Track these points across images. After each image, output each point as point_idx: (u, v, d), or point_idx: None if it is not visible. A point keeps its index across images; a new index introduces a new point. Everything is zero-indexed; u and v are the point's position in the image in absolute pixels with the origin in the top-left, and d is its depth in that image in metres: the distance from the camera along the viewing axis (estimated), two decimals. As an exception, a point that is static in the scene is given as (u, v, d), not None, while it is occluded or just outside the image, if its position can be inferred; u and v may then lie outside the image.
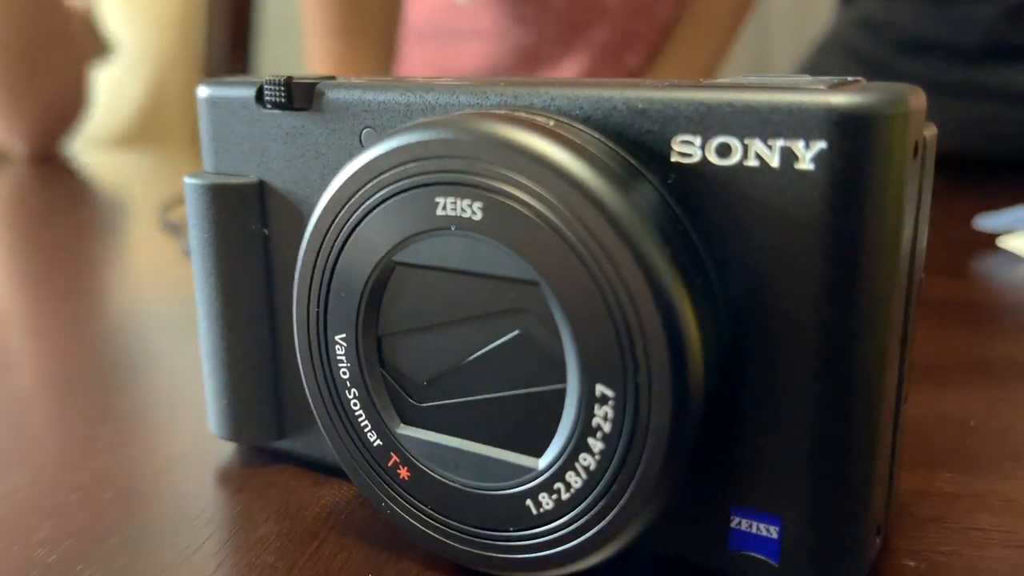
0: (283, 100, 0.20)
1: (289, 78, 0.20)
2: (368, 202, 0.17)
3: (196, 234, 0.22)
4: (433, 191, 0.17)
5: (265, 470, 0.23)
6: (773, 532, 0.17)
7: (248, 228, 0.22)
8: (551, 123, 0.16)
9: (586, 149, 0.16)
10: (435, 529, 0.18)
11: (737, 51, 0.89)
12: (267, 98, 0.21)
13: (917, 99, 0.16)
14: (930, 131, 0.17)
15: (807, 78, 0.17)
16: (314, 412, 0.19)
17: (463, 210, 0.16)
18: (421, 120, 0.17)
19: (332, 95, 0.20)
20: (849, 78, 0.17)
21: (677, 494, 0.16)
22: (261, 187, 0.22)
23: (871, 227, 0.15)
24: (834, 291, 0.16)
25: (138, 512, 0.21)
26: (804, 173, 0.15)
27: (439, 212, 0.17)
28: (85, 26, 0.91)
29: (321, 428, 0.19)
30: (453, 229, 0.17)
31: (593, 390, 0.16)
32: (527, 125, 0.16)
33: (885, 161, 0.15)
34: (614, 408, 0.16)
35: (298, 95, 0.20)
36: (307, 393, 0.19)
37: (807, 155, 0.15)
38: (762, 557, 0.17)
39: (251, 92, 0.21)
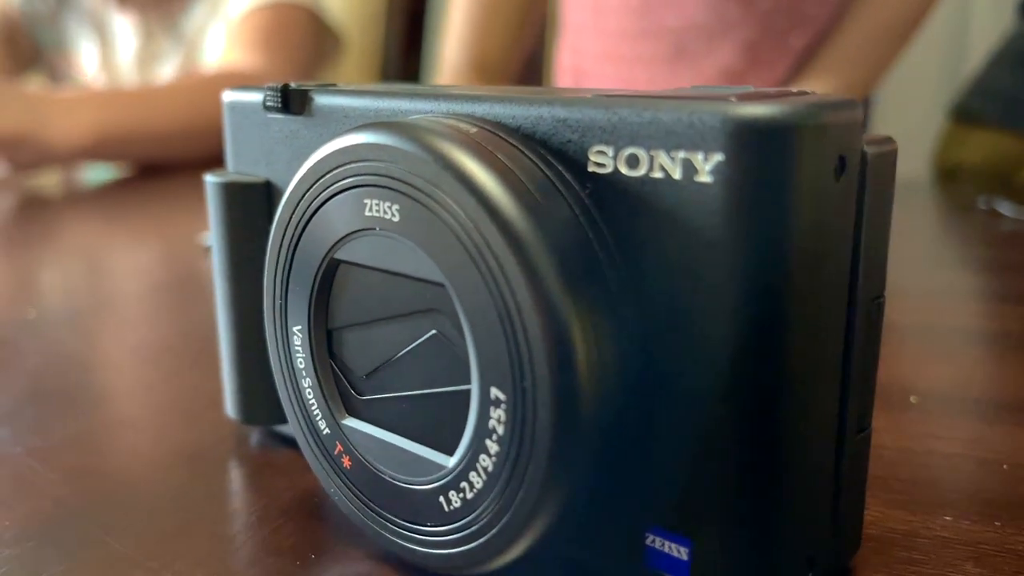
0: (280, 105, 0.22)
1: (286, 85, 0.22)
2: (315, 201, 0.18)
3: (213, 228, 0.24)
4: (362, 192, 0.17)
5: (270, 451, 0.25)
6: (683, 553, 0.17)
7: (257, 224, 0.23)
8: (473, 130, 0.17)
9: (495, 157, 0.16)
10: (371, 518, 0.19)
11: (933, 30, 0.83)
12: (268, 103, 0.22)
13: (845, 113, 0.15)
14: (880, 147, 0.16)
15: (740, 88, 0.16)
16: (281, 398, 0.21)
17: (384, 211, 0.17)
18: (360, 124, 0.18)
19: (321, 101, 0.21)
20: (796, 89, 0.16)
21: (575, 503, 0.16)
22: (268, 187, 0.23)
23: (777, 245, 0.15)
24: (739, 311, 0.15)
25: (151, 475, 0.23)
26: (704, 186, 0.15)
27: (367, 212, 0.17)
28: (314, 23, 0.96)
29: (287, 414, 0.21)
30: (377, 230, 0.17)
31: (489, 393, 0.16)
32: (445, 133, 0.17)
33: (791, 176, 0.15)
34: (506, 412, 0.16)
35: (294, 101, 0.22)
36: (275, 380, 0.21)
37: (706, 167, 0.15)
38: (674, 578, 0.17)
39: (260, 98, 0.23)
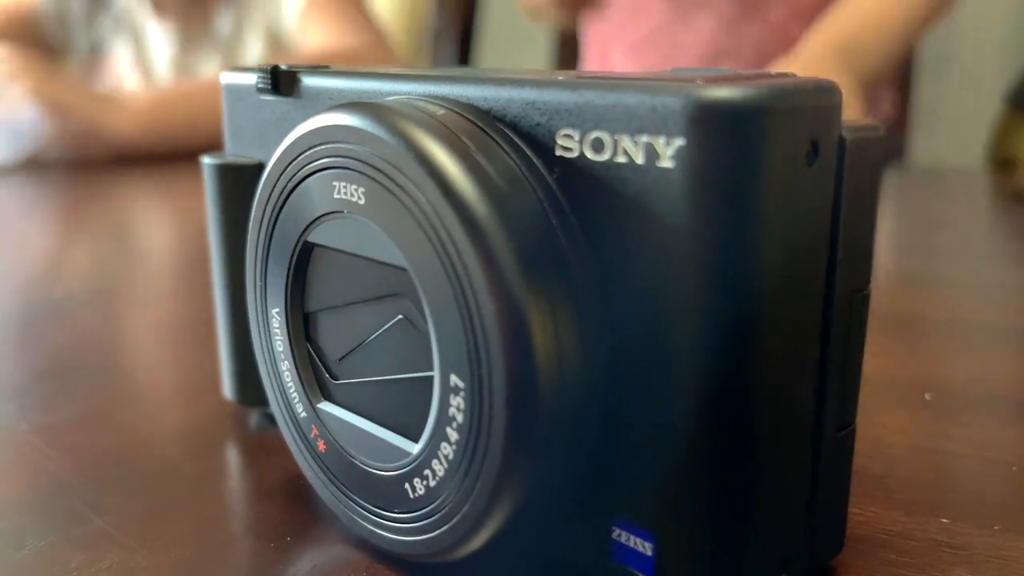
0: (271, 87, 0.22)
1: (276, 67, 0.22)
2: (290, 182, 0.18)
3: (209, 209, 0.24)
4: (331, 175, 0.17)
5: (266, 434, 0.25)
6: (648, 549, 0.16)
7: (250, 206, 0.23)
8: (440, 112, 0.17)
9: (459, 141, 0.16)
10: (343, 503, 0.19)
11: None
12: (259, 85, 0.22)
13: (818, 97, 0.15)
14: (861, 132, 0.16)
15: (718, 71, 0.16)
16: (262, 380, 0.21)
17: (351, 194, 0.17)
18: (331, 106, 0.18)
19: (308, 82, 0.21)
20: (776, 72, 0.16)
21: (538, 494, 0.16)
22: (262, 169, 0.23)
23: (743, 233, 0.14)
24: (704, 302, 0.15)
25: (144, 454, 0.24)
26: (666, 171, 0.14)
27: (335, 195, 0.17)
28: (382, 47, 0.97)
29: (268, 396, 0.21)
30: (345, 212, 0.17)
31: (449, 380, 0.16)
32: (410, 115, 0.16)
33: (756, 161, 0.14)
34: (465, 399, 0.16)
35: (283, 82, 0.22)
36: (257, 362, 0.21)
37: (668, 152, 0.14)
38: (639, 573, 0.17)
39: (254, 80, 0.23)
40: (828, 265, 0.16)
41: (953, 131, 1.38)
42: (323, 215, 0.18)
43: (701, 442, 0.15)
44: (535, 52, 1.35)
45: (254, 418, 0.26)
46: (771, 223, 0.14)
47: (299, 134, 0.18)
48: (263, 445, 0.24)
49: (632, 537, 0.16)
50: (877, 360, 0.31)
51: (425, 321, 0.16)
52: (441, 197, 0.15)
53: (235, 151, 0.24)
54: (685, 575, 0.16)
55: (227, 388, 0.25)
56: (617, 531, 0.17)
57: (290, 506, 0.21)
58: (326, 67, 0.22)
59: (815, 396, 0.16)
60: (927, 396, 0.27)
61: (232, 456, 0.24)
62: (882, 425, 0.25)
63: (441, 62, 1.28)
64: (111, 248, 0.50)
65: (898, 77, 0.85)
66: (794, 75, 0.16)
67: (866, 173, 0.16)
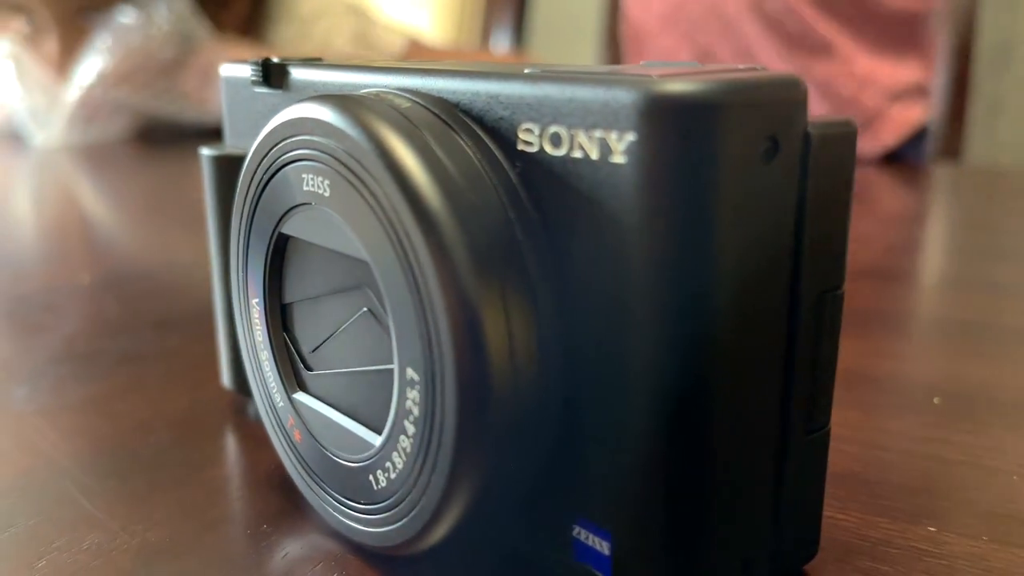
0: (262, 79, 0.22)
1: (267, 59, 0.22)
2: (266, 174, 0.19)
3: (207, 200, 0.24)
4: (300, 167, 0.17)
5: (262, 423, 0.25)
6: (605, 548, 0.16)
7: (246, 197, 0.24)
8: (406, 105, 0.17)
9: (419, 134, 0.16)
10: (317, 493, 0.19)
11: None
12: (251, 77, 0.22)
13: (778, 92, 0.14)
14: (830, 129, 0.15)
15: (687, 64, 0.16)
16: (246, 369, 0.21)
17: (318, 186, 0.17)
18: (303, 98, 0.18)
19: (296, 75, 0.21)
20: (743, 66, 0.15)
21: (496, 490, 0.16)
22: (256, 160, 0.24)
23: (696, 230, 0.14)
24: (659, 300, 0.14)
25: (140, 440, 0.24)
26: (618, 167, 0.14)
27: (304, 187, 0.17)
28: None
29: (251, 385, 0.21)
30: (313, 204, 0.17)
31: (406, 373, 0.16)
32: (374, 108, 0.16)
33: (708, 157, 0.14)
34: (420, 393, 0.16)
35: (274, 75, 0.22)
36: (241, 351, 0.21)
37: (619, 147, 0.14)
38: (597, 573, 0.16)
39: (249, 72, 0.23)
40: (792, 264, 0.15)
41: (1013, 127, 1.34)
42: (294, 207, 0.18)
43: (655, 442, 0.15)
44: (585, 44, 1.34)
45: (252, 407, 0.26)
46: (725, 220, 0.14)
47: (273, 126, 0.18)
48: (255, 434, 0.25)
49: (591, 536, 0.16)
50: (891, 363, 0.30)
51: (386, 314, 0.16)
52: (397, 190, 0.15)
53: (233, 142, 0.24)
54: (642, 574, 0.16)
55: (225, 377, 0.26)
56: (578, 530, 0.17)
57: (270, 495, 0.21)
58: (318, 60, 0.22)
59: (780, 398, 0.16)
60: (936, 401, 0.27)
61: (224, 444, 0.24)
62: (883, 429, 0.25)
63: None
64: (151, 231, 0.51)
65: (955, 70, 0.83)
66: (764, 69, 0.15)
67: (835, 170, 0.16)
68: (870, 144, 0.81)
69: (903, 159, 0.82)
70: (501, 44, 1.26)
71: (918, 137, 0.83)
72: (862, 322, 0.33)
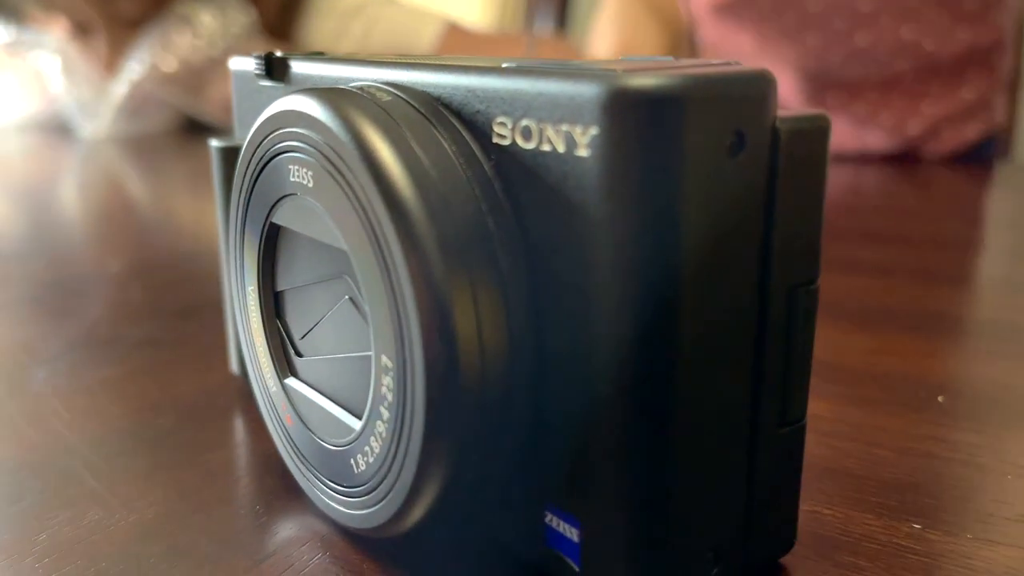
0: (265, 73, 0.23)
1: (270, 53, 0.23)
2: (259, 164, 0.19)
3: (216, 190, 0.25)
4: (287, 159, 0.18)
5: (267, 407, 0.26)
6: (574, 535, 0.16)
7: (252, 188, 0.24)
8: (386, 99, 0.17)
9: (396, 126, 0.16)
10: (306, 476, 0.20)
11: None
12: (256, 71, 0.23)
13: (745, 86, 0.15)
14: (799, 123, 0.15)
15: (662, 59, 0.16)
16: (244, 355, 0.22)
17: (302, 177, 0.17)
18: (292, 90, 0.18)
19: (296, 68, 0.22)
20: (717, 61, 0.16)
21: (468, 476, 0.16)
22: (261, 152, 0.24)
23: (661, 224, 0.14)
24: (624, 293, 0.15)
25: (147, 421, 0.25)
26: (582, 160, 0.15)
27: (291, 178, 0.18)
28: None
29: (248, 370, 0.22)
30: (298, 195, 0.18)
31: (381, 360, 0.16)
32: (354, 101, 0.17)
33: (672, 151, 0.14)
34: (393, 379, 0.16)
35: (276, 68, 0.22)
36: (239, 337, 0.22)
37: (584, 140, 0.14)
38: (567, 559, 0.17)
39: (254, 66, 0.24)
40: (761, 258, 0.15)
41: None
42: (283, 197, 0.18)
43: (621, 432, 0.15)
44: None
45: (260, 392, 0.27)
46: (689, 214, 0.14)
47: (264, 118, 0.19)
48: (259, 419, 0.25)
49: (561, 523, 0.17)
50: (896, 360, 0.30)
51: (364, 303, 0.17)
52: (371, 182, 0.16)
53: (242, 135, 0.25)
54: (609, 561, 0.16)
55: (234, 363, 0.27)
56: (549, 516, 0.17)
57: (266, 478, 0.22)
58: (320, 54, 0.23)
59: (750, 391, 0.16)
60: (940, 399, 0.26)
61: (228, 428, 0.25)
62: (880, 427, 0.24)
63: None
64: (190, 221, 0.52)
65: (1005, 70, 0.81)
66: (737, 63, 0.15)
67: (806, 165, 0.16)
68: (933, 147, 0.79)
69: (971, 159, 0.80)
70: (544, 27, 1.26)
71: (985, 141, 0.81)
72: (918, 325, 0.32)
